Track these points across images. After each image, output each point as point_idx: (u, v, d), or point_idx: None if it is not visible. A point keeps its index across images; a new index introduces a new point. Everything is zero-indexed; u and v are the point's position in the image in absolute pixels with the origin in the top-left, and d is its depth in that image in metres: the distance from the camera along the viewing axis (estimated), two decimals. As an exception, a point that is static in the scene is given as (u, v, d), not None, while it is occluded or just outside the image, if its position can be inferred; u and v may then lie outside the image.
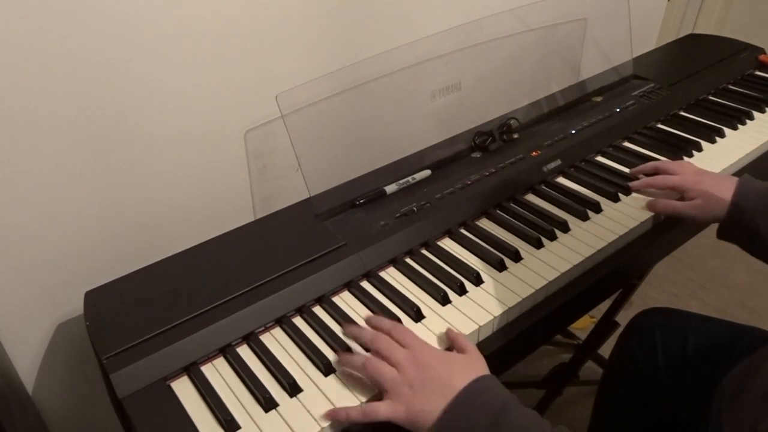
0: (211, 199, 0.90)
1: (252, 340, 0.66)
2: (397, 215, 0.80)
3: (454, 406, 0.54)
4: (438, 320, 0.68)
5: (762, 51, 1.28)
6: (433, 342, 0.65)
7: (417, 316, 0.68)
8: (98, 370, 0.63)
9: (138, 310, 0.67)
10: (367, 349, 0.63)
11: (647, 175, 0.88)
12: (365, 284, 0.73)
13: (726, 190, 0.77)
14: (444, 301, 0.70)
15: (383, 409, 0.56)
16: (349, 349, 0.64)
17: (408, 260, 0.77)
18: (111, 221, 0.81)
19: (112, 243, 0.82)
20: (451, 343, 0.64)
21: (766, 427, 0.47)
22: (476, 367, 0.59)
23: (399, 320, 0.67)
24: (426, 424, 0.55)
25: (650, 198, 0.85)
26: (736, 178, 0.78)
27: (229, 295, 0.68)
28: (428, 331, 0.67)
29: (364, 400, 0.59)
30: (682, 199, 0.82)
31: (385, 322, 0.64)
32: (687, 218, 0.81)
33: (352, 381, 0.61)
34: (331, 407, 0.59)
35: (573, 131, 1.00)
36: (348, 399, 0.60)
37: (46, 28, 0.66)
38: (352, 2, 0.89)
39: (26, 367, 0.82)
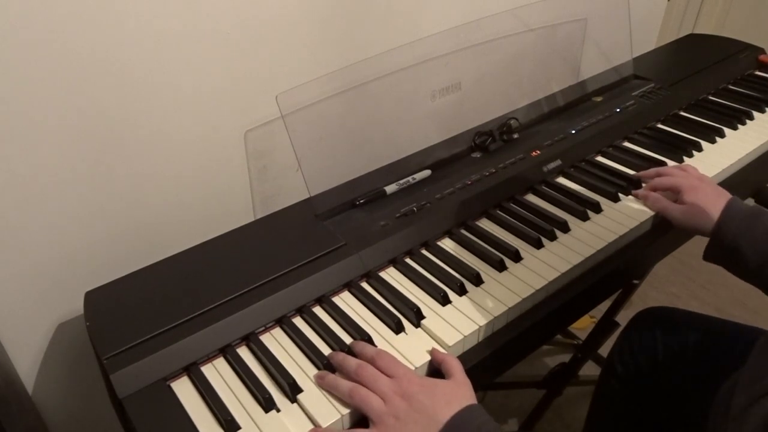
0: (211, 199, 0.90)
1: (252, 340, 0.66)
2: (397, 215, 0.80)
3: None
4: (438, 320, 0.68)
5: (762, 51, 1.28)
6: (432, 344, 0.66)
7: (417, 316, 0.68)
8: (98, 370, 0.63)
9: (138, 310, 0.67)
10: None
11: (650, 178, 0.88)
12: (365, 284, 0.73)
13: (715, 209, 0.76)
14: (444, 301, 0.70)
15: None
16: (350, 351, 0.64)
17: (408, 260, 0.77)
18: (111, 221, 0.81)
19: (113, 243, 0.82)
20: (437, 365, 0.64)
21: None
22: (461, 395, 0.59)
23: (394, 326, 0.67)
24: None
25: (646, 194, 0.85)
26: (728, 197, 0.78)
27: (229, 295, 0.68)
28: (428, 333, 0.67)
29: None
30: (676, 200, 0.82)
31: (369, 350, 0.63)
32: (671, 220, 0.81)
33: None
34: (331, 407, 0.59)
35: (573, 131, 1.00)
36: (310, 429, 0.59)
37: (45, 30, 0.66)
38: (352, 2, 0.89)
39: (26, 367, 0.82)
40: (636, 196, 0.87)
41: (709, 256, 0.78)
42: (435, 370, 0.64)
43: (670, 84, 1.14)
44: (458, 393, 0.59)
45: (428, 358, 0.64)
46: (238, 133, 0.88)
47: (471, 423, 0.56)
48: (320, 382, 0.61)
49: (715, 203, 0.77)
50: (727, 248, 0.75)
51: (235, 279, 0.70)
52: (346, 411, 0.59)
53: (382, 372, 0.60)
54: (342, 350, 0.64)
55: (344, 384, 0.60)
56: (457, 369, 0.62)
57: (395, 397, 0.58)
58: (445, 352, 0.65)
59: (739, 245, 0.73)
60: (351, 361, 0.61)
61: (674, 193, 0.83)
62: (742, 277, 0.76)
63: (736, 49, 1.28)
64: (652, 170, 0.89)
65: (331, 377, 0.61)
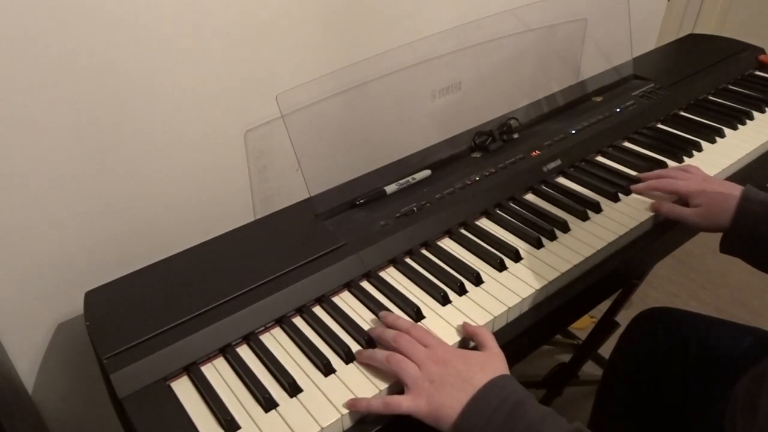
0: (212, 199, 0.90)
1: (252, 340, 0.66)
2: (397, 215, 0.80)
3: (474, 403, 0.56)
4: (438, 320, 0.68)
5: (762, 51, 1.28)
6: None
7: (417, 316, 0.68)
8: (98, 370, 0.63)
9: (138, 310, 0.67)
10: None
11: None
12: (365, 284, 0.73)
13: (730, 202, 0.76)
14: (444, 301, 0.70)
15: (405, 403, 0.57)
16: (349, 351, 0.64)
17: (408, 260, 0.77)
18: (111, 221, 0.81)
19: (113, 243, 0.82)
20: (470, 338, 0.65)
21: None
22: (495, 365, 0.60)
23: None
24: (446, 418, 0.56)
25: (654, 200, 0.85)
26: (740, 189, 0.77)
27: (229, 295, 0.68)
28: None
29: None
30: (686, 204, 0.82)
31: (404, 322, 0.65)
32: (689, 225, 0.81)
33: (352, 381, 0.61)
34: (331, 406, 0.59)
35: (573, 131, 1.00)
36: (347, 399, 0.60)
37: (44, 30, 0.66)
38: (353, 2, 0.89)
39: (26, 367, 0.82)
40: (636, 191, 0.87)
41: (727, 247, 0.77)
42: (465, 347, 0.66)
43: (670, 84, 1.14)
44: (493, 362, 0.60)
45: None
46: (238, 133, 0.88)
47: (507, 388, 0.57)
48: (358, 357, 0.63)
49: (728, 196, 0.76)
50: (747, 238, 0.74)
51: (235, 279, 0.70)
52: (385, 385, 0.60)
53: (417, 342, 0.62)
54: (346, 352, 0.64)
55: (381, 352, 0.62)
56: (490, 341, 0.63)
57: (430, 362, 0.59)
58: (476, 324, 0.66)
59: (760, 233, 0.72)
60: (389, 332, 0.63)
61: (682, 198, 0.82)
62: (762, 266, 0.75)
63: (736, 49, 1.28)
64: (654, 173, 0.89)
65: (369, 350, 0.63)
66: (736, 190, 0.77)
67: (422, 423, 0.58)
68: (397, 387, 0.61)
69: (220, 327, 0.65)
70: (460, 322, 0.68)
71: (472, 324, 0.66)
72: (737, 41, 1.31)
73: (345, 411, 0.59)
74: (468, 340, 0.67)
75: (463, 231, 0.81)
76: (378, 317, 0.68)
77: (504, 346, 0.68)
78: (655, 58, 1.28)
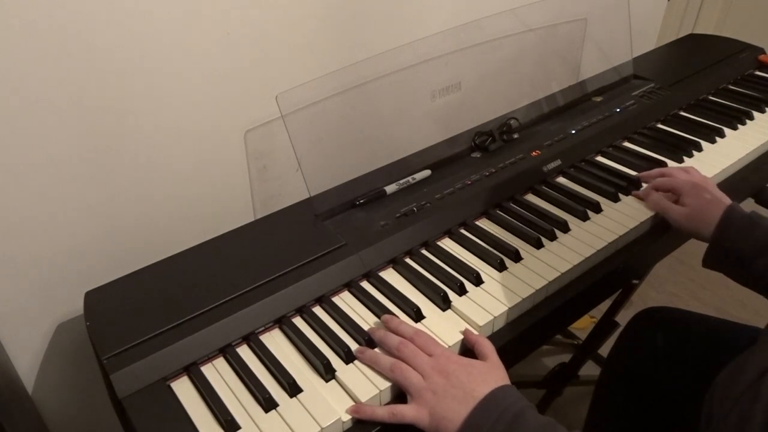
0: (211, 199, 0.90)
1: (252, 340, 0.66)
2: (397, 215, 0.80)
3: (474, 415, 0.56)
4: (438, 320, 0.68)
5: (762, 51, 1.28)
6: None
7: (417, 316, 0.68)
8: (98, 370, 0.63)
9: (138, 310, 0.67)
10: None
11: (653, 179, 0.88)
12: (365, 284, 0.73)
13: (714, 215, 0.76)
14: (444, 301, 0.70)
15: (409, 413, 0.58)
16: (349, 351, 0.64)
17: (408, 260, 0.77)
18: (111, 221, 0.81)
19: (113, 243, 0.82)
20: (471, 346, 0.65)
21: (752, 428, 0.47)
22: (496, 375, 0.61)
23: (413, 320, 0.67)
24: (448, 431, 0.57)
25: (648, 193, 0.85)
26: (727, 204, 0.77)
27: (229, 295, 0.68)
28: (428, 331, 0.67)
29: (363, 400, 0.60)
30: (676, 201, 0.82)
31: (407, 328, 0.65)
32: (671, 222, 0.81)
33: (352, 381, 0.61)
34: (331, 407, 0.59)
35: (573, 131, 1.00)
36: (347, 399, 0.60)
37: (46, 25, 0.66)
38: (353, 2, 0.89)
39: (26, 367, 0.82)
40: (637, 197, 0.87)
41: (709, 262, 0.78)
42: (465, 350, 0.66)
43: (670, 84, 1.14)
44: (494, 373, 0.61)
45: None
46: (238, 133, 0.88)
47: (506, 399, 0.57)
48: (360, 357, 0.63)
49: (714, 209, 0.77)
50: (727, 255, 0.75)
51: (235, 279, 0.70)
52: (385, 386, 0.60)
53: (421, 350, 0.62)
54: (346, 352, 0.64)
55: (385, 359, 0.62)
56: (491, 351, 0.64)
57: (434, 373, 0.60)
58: (477, 333, 0.66)
59: (739, 252, 0.73)
60: (393, 338, 0.63)
61: (674, 195, 0.83)
62: (742, 283, 0.76)
63: (736, 49, 1.28)
64: (655, 171, 0.89)
65: (372, 352, 0.63)
66: (722, 203, 0.77)
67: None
68: (397, 388, 0.61)
69: (220, 327, 0.65)
70: (461, 323, 0.68)
71: (474, 333, 0.66)
72: (737, 41, 1.31)
73: (344, 411, 0.59)
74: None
75: (463, 231, 0.81)
76: (378, 318, 0.68)
77: (504, 346, 0.68)
78: (655, 58, 1.28)
